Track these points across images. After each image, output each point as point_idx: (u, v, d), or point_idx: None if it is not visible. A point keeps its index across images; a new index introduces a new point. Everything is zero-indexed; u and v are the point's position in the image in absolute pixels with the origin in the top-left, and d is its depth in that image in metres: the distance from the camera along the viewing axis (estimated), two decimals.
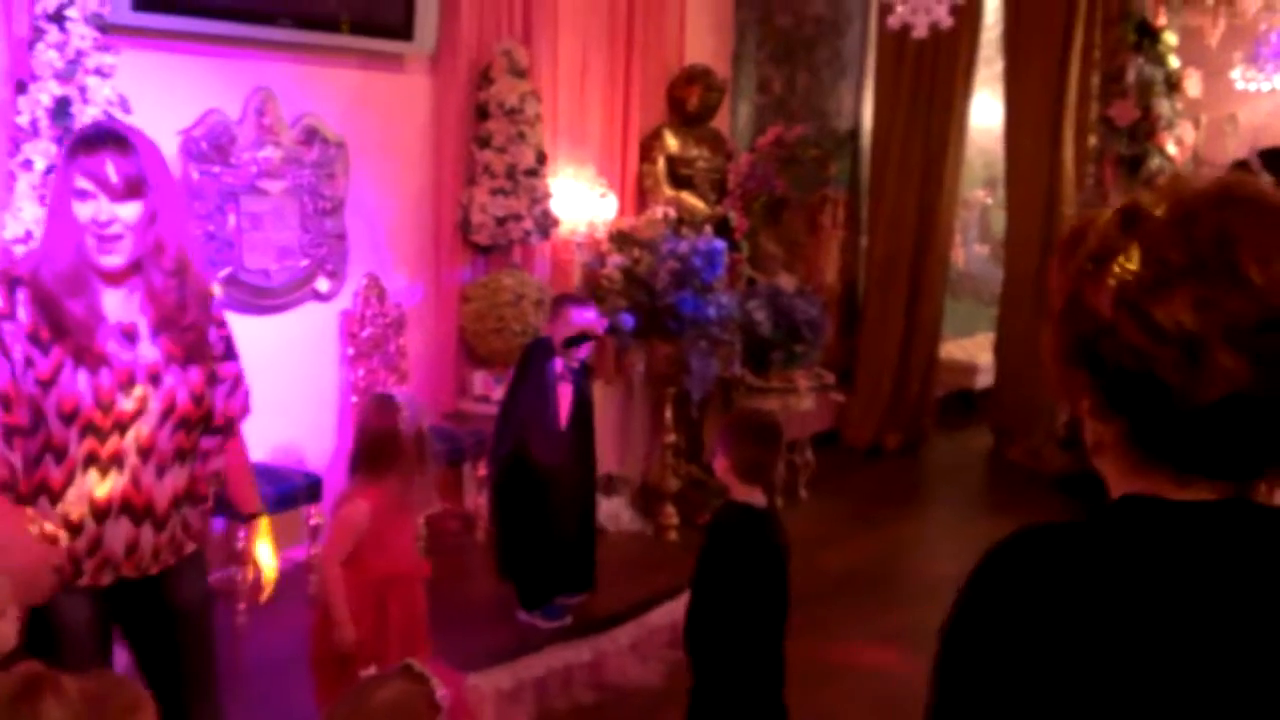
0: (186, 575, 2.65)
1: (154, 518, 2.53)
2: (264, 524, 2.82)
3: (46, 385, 2.39)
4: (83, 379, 2.41)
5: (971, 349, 8.86)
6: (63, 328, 2.40)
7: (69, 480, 2.44)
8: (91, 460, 2.44)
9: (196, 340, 2.55)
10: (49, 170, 2.51)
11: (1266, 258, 0.96)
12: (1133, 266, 0.99)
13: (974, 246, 9.51)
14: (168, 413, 2.50)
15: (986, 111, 8.52)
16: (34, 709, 1.63)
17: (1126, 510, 1.04)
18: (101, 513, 2.46)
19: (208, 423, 2.60)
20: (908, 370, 7.97)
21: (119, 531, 2.49)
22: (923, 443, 8.05)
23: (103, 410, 2.42)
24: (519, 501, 4.48)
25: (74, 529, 2.44)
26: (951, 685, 1.05)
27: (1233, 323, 0.95)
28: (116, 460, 2.46)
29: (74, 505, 2.45)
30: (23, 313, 2.40)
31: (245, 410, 2.74)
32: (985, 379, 8.47)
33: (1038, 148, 7.46)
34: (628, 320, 4.88)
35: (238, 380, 2.69)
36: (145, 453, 2.48)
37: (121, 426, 2.45)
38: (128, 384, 2.44)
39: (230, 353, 2.67)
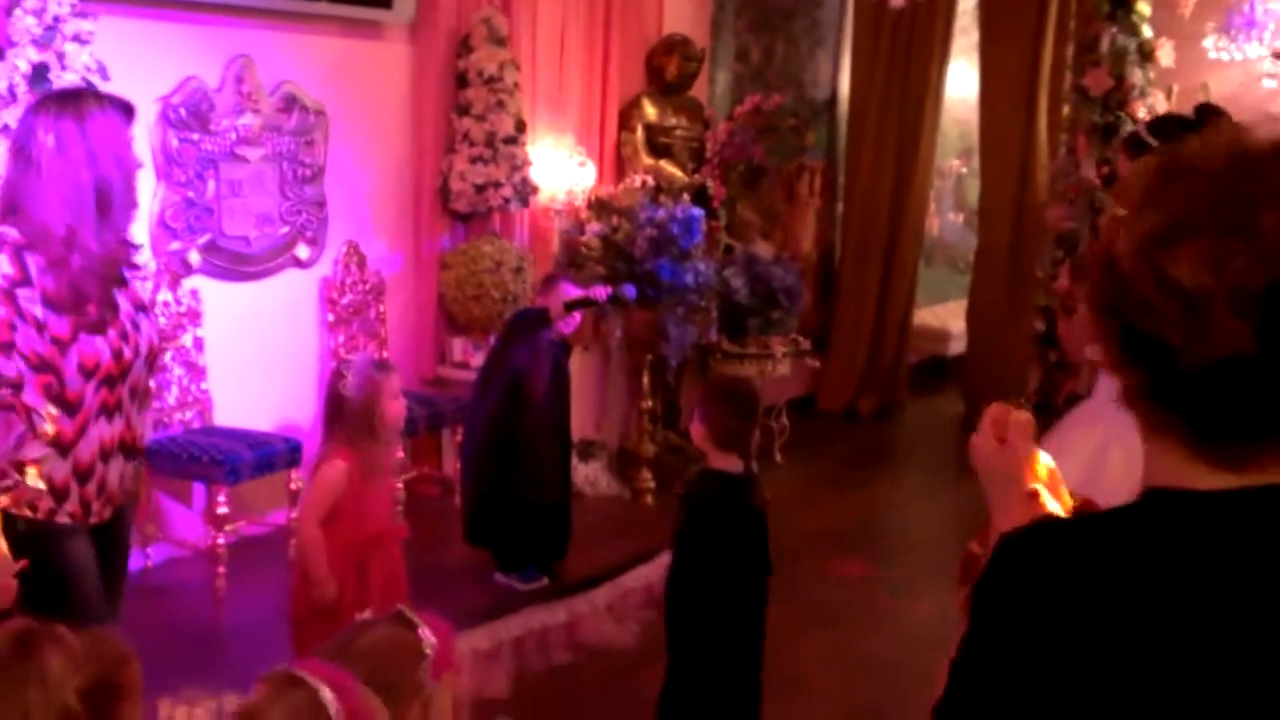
0: (130, 513, 2.90)
1: (136, 452, 2.76)
2: None
3: (65, 344, 2.54)
4: (99, 336, 2.60)
5: (944, 316, 8.96)
6: (81, 290, 2.55)
7: (82, 431, 2.60)
8: (103, 409, 2.62)
9: (137, 287, 2.81)
10: (64, 131, 2.58)
11: None
12: (1157, 217, 0.96)
13: (949, 214, 9.59)
14: (147, 355, 2.72)
15: (963, 81, 8.57)
16: (36, 660, 1.64)
17: (1150, 504, 1.02)
18: (106, 454, 2.66)
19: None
20: (882, 337, 8.06)
21: (115, 468, 2.69)
22: (896, 408, 8.16)
23: (116, 361, 2.62)
24: (498, 465, 4.54)
25: (83, 474, 2.63)
26: (973, 678, 1.06)
27: (1239, 284, 0.92)
28: (119, 406, 2.66)
29: (85, 452, 2.61)
30: (35, 277, 2.52)
31: None
32: (958, 346, 8.56)
33: (1012, 117, 7.53)
34: (630, 290, 4.91)
35: None
36: (134, 394, 2.70)
37: (125, 374, 2.65)
38: (123, 334, 2.65)
39: None
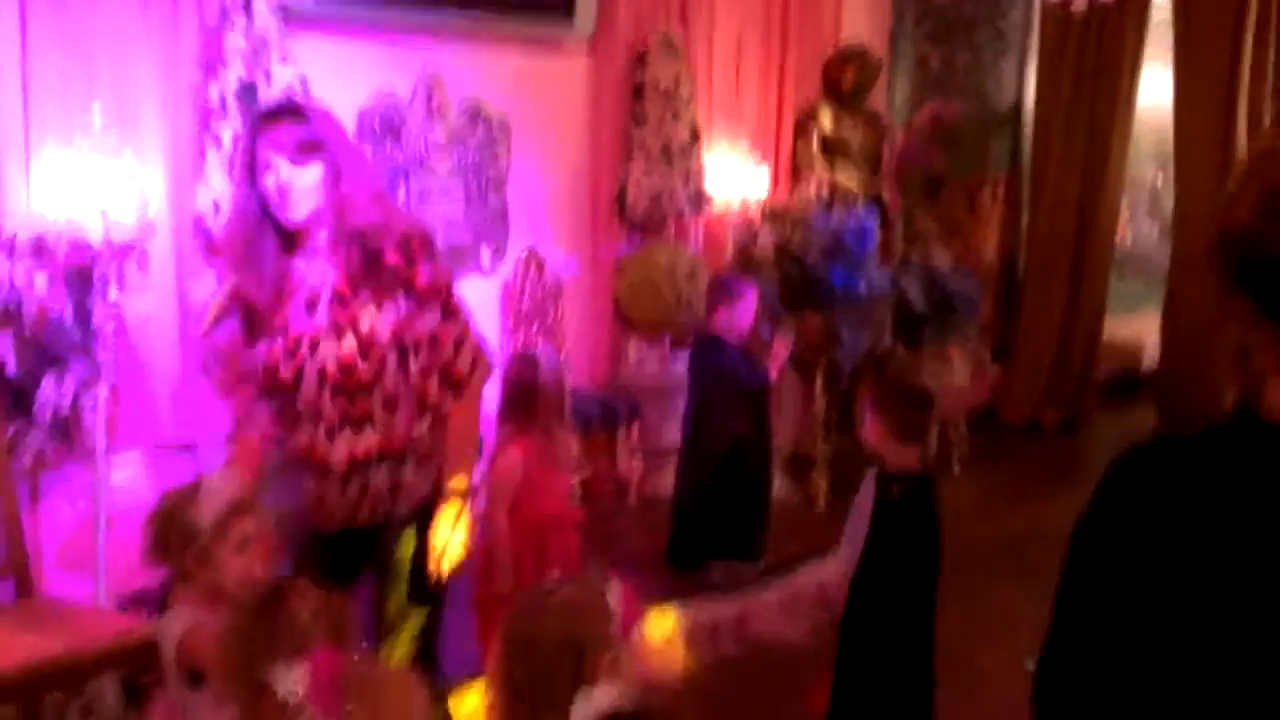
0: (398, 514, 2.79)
1: (400, 459, 2.73)
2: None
3: (291, 351, 2.63)
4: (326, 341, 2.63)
5: (1139, 329, 8.62)
6: (282, 304, 2.62)
7: (330, 439, 2.66)
8: (346, 420, 2.64)
9: (399, 295, 2.64)
10: (236, 146, 2.77)
11: None
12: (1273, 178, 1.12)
13: (1143, 225, 9.26)
14: (400, 362, 2.65)
15: (1160, 88, 8.27)
16: (285, 608, 1.92)
17: (1240, 426, 1.14)
18: (362, 464, 2.68)
19: (444, 374, 2.72)
20: (1069, 348, 7.84)
21: (379, 477, 2.71)
22: (1083, 421, 7.89)
23: (343, 373, 2.62)
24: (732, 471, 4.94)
25: (344, 479, 2.68)
26: (1078, 579, 1.20)
27: None
28: (369, 418, 2.66)
29: (338, 460, 2.67)
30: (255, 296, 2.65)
31: (475, 371, 2.77)
32: (1152, 360, 8.25)
33: (1210, 124, 7.23)
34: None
35: (459, 340, 2.73)
36: (388, 402, 2.66)
37: (365, 388, 2.63)
38: (363, 350, 2.61)
39: (447, 310, 2.70)
